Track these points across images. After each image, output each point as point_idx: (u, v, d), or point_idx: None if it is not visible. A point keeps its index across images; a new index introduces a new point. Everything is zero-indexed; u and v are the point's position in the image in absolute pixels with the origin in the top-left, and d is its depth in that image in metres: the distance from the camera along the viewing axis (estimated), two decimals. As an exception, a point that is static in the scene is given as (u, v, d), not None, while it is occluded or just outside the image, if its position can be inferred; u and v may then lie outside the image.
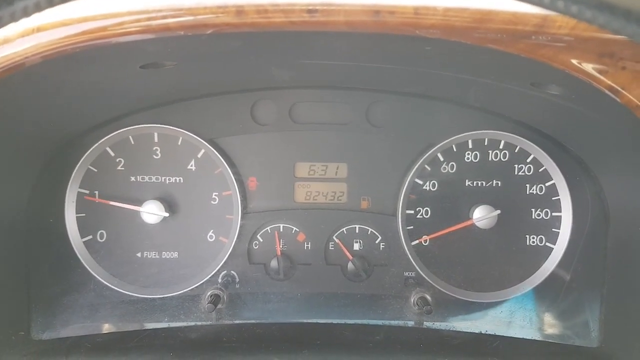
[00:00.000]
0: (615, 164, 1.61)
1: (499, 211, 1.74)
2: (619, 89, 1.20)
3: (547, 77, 1.26)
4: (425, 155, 1.76)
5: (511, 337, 1.62)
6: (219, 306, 1.64)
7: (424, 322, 1.67)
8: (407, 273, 1.80)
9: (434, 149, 1.76)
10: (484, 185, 1.79)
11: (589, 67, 1.16)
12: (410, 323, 1.69)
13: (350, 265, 1.80)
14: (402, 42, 1.12)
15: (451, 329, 1.66)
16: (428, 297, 1.67)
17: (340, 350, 1.42)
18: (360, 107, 1.79)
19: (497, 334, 1.66)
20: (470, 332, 1.64)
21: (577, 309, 1.68)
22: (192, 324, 1.64)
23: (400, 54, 1.29)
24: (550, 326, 1.69)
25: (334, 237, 1.82)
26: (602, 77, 1.19)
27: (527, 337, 1.63)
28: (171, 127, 1.75)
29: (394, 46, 1.18)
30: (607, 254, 1.64)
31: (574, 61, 1.15)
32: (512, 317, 1.73)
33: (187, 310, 1.70)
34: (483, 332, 1.68)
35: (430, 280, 1.77)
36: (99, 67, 1.25)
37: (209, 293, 1.67)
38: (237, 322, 1.64)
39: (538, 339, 1.63)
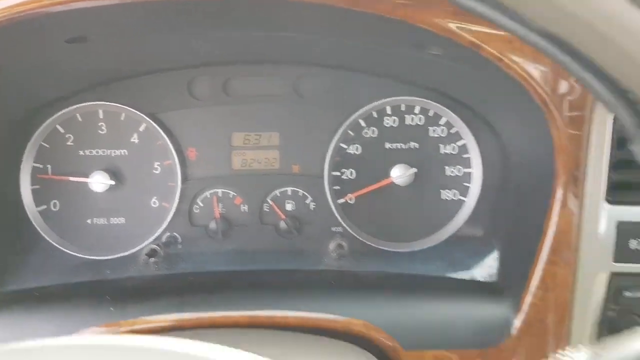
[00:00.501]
0: (511, 118, 1.78)
1: (415, 169, 1.92)
2: (480, 43, 1.37)
3: (421, 38, 1.43)
4: (348, 122, 1.94)
5: (421, 274, 1.79)
6: (155, 259, 1.80)
7: (343, 268, 1.84)
8: (334, 228, 1.97)
9: (354, 115, 1.93)
10: (402, 147, 1.96)
11: (448, 24, 1.32)
12: (331, 268, 1.86)
13: (282, 224, 1.97)
14: (282, 9, 1.29)
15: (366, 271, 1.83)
16: (344, 244, 1.84)
17: (262, 290, 1.60)
18: (289, 80, 1.96)
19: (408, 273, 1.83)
20: (383, 272, 1.81)
21: (483, 253, 1.85)
22: (131, 275, 1.81)
23: (286, 22, 1.46)
24: (458, 268, 1.85)
25: (268, 199, 1.99)
26: (462, 34, 1.34)
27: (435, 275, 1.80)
28: (114, 104, 1.92)
29: (277, 12, 1.35)
30: (509, 203, 1.82)
31: (435, 20, 1.31)
32: (426, 262, 1.90)
33: (128, 266, 1.87)
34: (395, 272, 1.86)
35: (354, 233, 1.94)
36: (25, 42, 1.41)
37: (146, 249, 1.85)
38: (172, 272, 1.81)
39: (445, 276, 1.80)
